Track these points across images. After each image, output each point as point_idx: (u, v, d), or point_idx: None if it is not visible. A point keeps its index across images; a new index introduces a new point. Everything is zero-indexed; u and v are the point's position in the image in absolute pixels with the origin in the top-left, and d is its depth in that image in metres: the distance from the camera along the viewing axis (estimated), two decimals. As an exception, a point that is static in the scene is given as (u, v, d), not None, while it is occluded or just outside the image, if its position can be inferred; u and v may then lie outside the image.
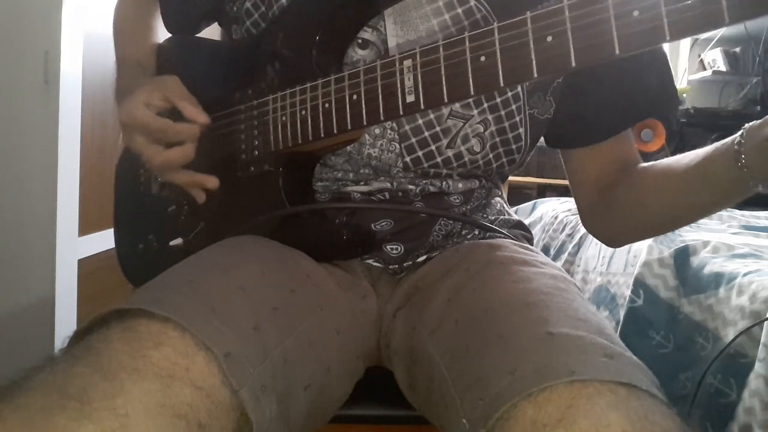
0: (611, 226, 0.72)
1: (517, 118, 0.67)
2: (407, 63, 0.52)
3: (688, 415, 0.96)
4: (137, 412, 0.37)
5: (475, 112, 0.66)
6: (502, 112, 0.66)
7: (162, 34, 0.84)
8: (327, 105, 0.58)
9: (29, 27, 1.41)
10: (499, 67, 0.47)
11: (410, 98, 0.52)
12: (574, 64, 0.43)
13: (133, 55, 0.81)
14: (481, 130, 0.66)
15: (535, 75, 0.45)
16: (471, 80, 0.48)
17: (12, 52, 1.40)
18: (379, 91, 0.54)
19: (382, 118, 0.55)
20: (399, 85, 0.53)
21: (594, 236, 0.76)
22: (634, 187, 0.66)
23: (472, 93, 0.49)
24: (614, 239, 0.75)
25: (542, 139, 0.75)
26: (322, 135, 0.60)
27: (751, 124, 0.51)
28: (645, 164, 0.68)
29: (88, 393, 0.37)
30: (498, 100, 0.66)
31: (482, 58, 0.47)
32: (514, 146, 0.69)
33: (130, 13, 0.86)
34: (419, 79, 0.51)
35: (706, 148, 0.56)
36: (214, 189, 0.68)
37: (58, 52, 1.42)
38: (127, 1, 0.88)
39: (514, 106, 0.66)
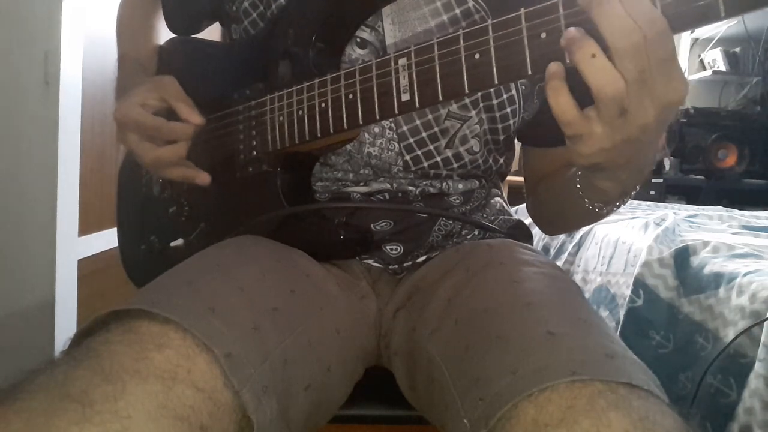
0: (537, 214, 0.80)
1: (511, 121, 0.68)
2: (402, 62, 0.52)
3: (688, 416, 0.96)
4: (139, 414, 0.37)
5: (473, 112, 0.66)
6: (497, 114, 0.67)
7: (164, 33, 0.84)
8: (323, 105, 0.58)
9: (29, 27, 1.41)
10: (494, 64, 0.46)
11: (405, 97, 0.52)
12: (569, 61, 0.43)
13: (134, 54, 0.81)
14: (479, 130, 0.67)
15: (530, 72, 0.45)
16: (465, 78, 0.48)
17: (12, 52, 1.40)
18: (375, 90, 0.54)
19: (377, 117, 0.55)
20: (394, 84, 0.53)
21: (532, 220, 0.83)
22: (547, 186, 0.72)
23: (467, 91, 0.49)
24: (541, 226, 0.82)
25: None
26: (319, 135, 0.60)
27: None
28: (568, 170, 0.71)
29: (90, 395, 0.37)
30: (494, 102, 0.66)
31: (477, 56, 0.47)
32: (503, 146, 0.70)
33: (133, 11, 0.87)
34: (414, 77, 0.51)
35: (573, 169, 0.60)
36: (205, 185, 0.68)
37: (58, 52, 1.42)
38: (130, 0, 0.88)
39: (509, 109, 0.67)
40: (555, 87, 0.43)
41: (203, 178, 0.68)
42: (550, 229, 0.83)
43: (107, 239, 1.60)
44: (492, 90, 0.65)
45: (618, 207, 0.59)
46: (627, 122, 0.42)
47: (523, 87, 0.67)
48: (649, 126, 0.42)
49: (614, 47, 0.40)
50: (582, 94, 0.43)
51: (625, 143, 0.44)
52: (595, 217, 0.60)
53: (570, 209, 0.66)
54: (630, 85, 0.40)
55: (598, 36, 0.40)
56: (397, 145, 0.67)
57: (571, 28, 0.41)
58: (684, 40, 3.00)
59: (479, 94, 0.65)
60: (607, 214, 0.60)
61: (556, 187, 0.69)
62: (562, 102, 0.43)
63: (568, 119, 0.44)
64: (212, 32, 0.84)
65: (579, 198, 0.57)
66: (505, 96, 0.66)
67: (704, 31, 2.87)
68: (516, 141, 0.78)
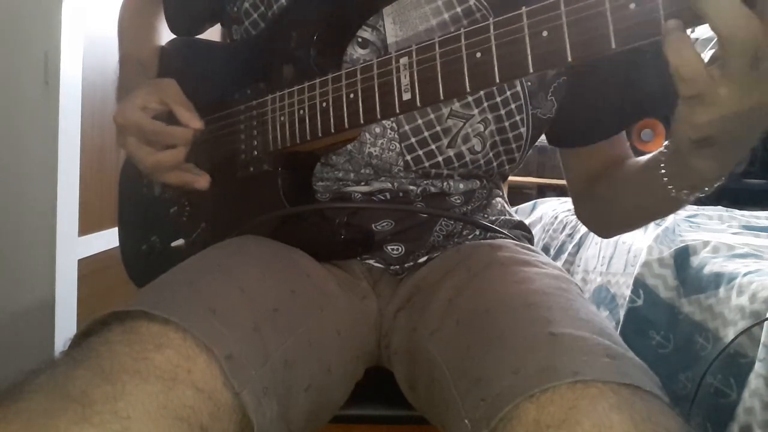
0: (594, 216, 0.77)
1: (518, 118, 0.67)
2: (403, 61, 0.52)
3: (688, 416, 0.96)
4: (139, 414, 0.37)
5: (476, 111, 0.66)
6: (502, 111, 0.66)
7: (166, 34, 0.84)
8: (324, 104, 0.58)
9: (29, 27, 1.41)
10: (495, 63, 0.46)
11: (407, 96, 0.52)
12: (570, 59, 0.42)
13: (136, 55, 0.81)
14: (482, 129, 0.66)
15: (531, 70, 0.45)
16: (467, 77, 0.48)
17: (12, 52, 1.40)
18: (376, 89, 0.54)
19: (378, 116, 0.55)
20: (395, 83, 0.53)
21: (585, 226, 0.80)
22: (610, 182, 0.69)
23: (468, 90, 0.48)
24: (599, 230, 0.79)
25: (542, 137, 0.76)
26: (320, 134, 0.59)
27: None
28: (629, 160, 0.70)
29: (90, 395, 0.37)
30: (498, 99, 0.66)
31: (478, 55, 0.47)
32: (514, 145, 0.69)
33: (135, 12, 0.87)
34: (415, 76, 0.51)
35: (654, 153, 0.57)
36: (204, 189, 0.67)
37: (58, 52, 1.42)
38: (132, 1, 0.88)
39: (513, 105, 0.66)
40: (678, 41, 0.38)
41: (202, 183, 0.67)
42: (609, 232, 0.79)
43: (107, 239, 1.60)
44: (495, 88, 0.65)
45: (706, 191, 0.53)
46: (760, 83, 0.37)
47: (529, 83, 0.66)
48: None
49: None
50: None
51: (751, 111, 0.38)
52: (676, 206, 0.56)
53: (645, 202, 0.62)
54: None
55: None
56: (398, 145, 0.67)
57: None
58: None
59: (482, 94, 0.65)
60: (688, 201, 0.54)
61: (624, 180, 0.66)
62: (685, 54, 0.38)
63: (692, 73, 0.38)
64: (213, 33, 0.84)
65: (661, 186, 0.53)
66: (509, 92, 0.66)
67: (704, 31, 2.85)
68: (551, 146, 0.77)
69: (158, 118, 0.65)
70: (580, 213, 0.79)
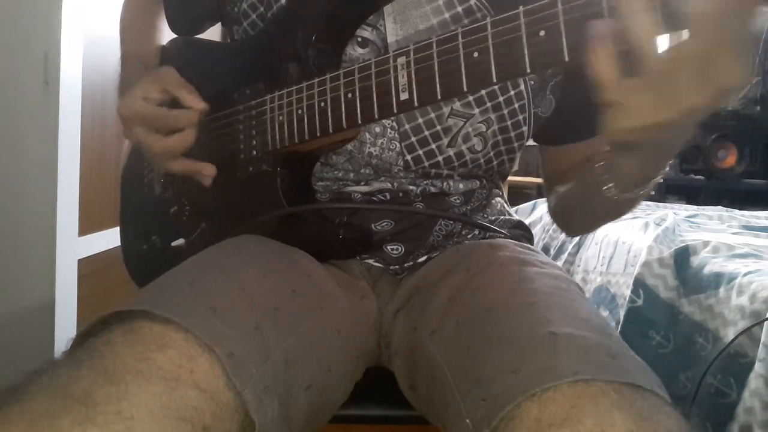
0: (559, 213, 0.77)
1: (521, 117, 0.67)
2: (401, 60, 0.52)
3: (688, 416, 0.96)
4: (142, 415, 0.37)
5: (477, 111, 0.66)
6: (505, 111, 0.66)
7: (166, 33, 0.85)
8: (323, 104, 0.58)
9: (29, 27, 1.41)
10: (492, 62, 0.46)
11: (404, 95, 0.52)
12: (567, 59, 0.42)
13: (137, 54, 0.81)
14: (483, 129, 0.66)
15: (528, 70, 0.45)
16: (464, 76, 0.48)
17: (12, 52, 1.40)
18: (374, 89, 0.54)
19: (376, 116, 0.55)
20: (393, 83, 0.53)
21: (554, 221, 0.81)
22: (568, 181, 0.70)
23: (465, 89, 0.48)
24: (564, 226, 0.80)
25: None
26: (318, 134, 0.60)
27: None
28: None
29: (93, 396, 0.37)
30: (501, 98, 0.66)
31: (475, 54, 0.47)
32: (515, 144, 0.69)
33: (136, 11, 0.87)
34: (413, 76, 0.51)
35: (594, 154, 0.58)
36: (211, 176, 0.67)
37: (58, 52, 1.42)
38: (134, 1, 0.88)
39: (517, 105, 0.66)
40: (600, 46, 0.40)
41: (209, 170, 0.67)
42: (571, 229, 0.81)
43: (107, 239, 1.60)
44: (498, 87, 0.65)
45: (637, 199, 0.56)
46: (676, 97, 0.39)
47: (532, 82, 0.66)
48: (699, 109, 0.39)
49: (686, 5, 0.37)
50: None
51: (668, 123, 0.40)
52: (616, 209, 0.58)
53: (590, 202, 0.64)
54: (685, 54, 0.38)
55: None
56: (398, 145, 0.67)
57: None
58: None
59: (484, 92, 0.65)
60: (628, 207, 0.57)
61: (577, 180, 0.68)
62: (604, 63, 0.40)
63: (607, 83, 0.41)
64: (214, 32, 0.84)
65: (600, 185, 0.55)
66: (512, 92, 0.66)
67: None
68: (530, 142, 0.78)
69: (161, 106, 0.66)
70: (550, 208, 0.80)
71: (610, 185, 0.54)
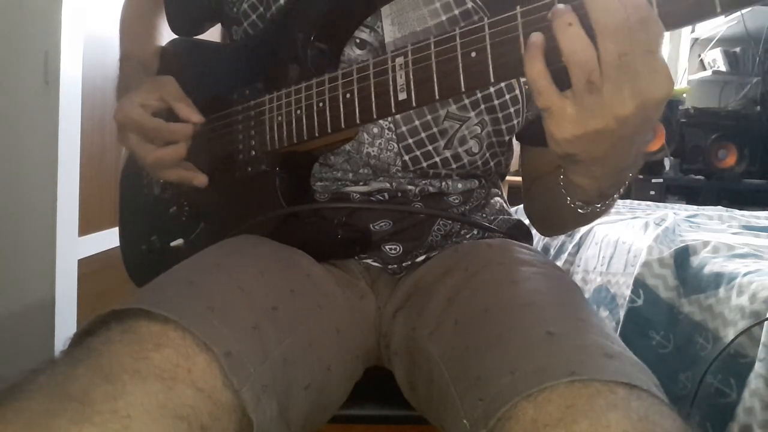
0: (534, 213, 0.79)
1: (515, 121, 0.68)
2: (399, 61, 0.52)
3: (688, 416, 0.96)
4: (139, 414, 0.37)
5: (472, 113, 0.66)
6: (500, 114, 0.67)
7: (167, 34, 0.85)
8: (321, 104, 0.59)
9: (29, 27, 1.41)
10: (490, 62, 0.46)
11: (402, 96, 0.52)
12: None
13: (137, 54, 0.82)
14: (479, 131, 0.67)
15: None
16: (462, 76, 0.48)
17: (12, 52, 1.40)
18: (372, 89, 0.54)
19: (375, 116, 0.55)
20: (391, 83, 0.53)
21: (528, 220, 0.82)
22: (544, 183, 0.71)
23: (463, 89, 0.49)
24: (538, 226, 0.80)
25: None
26: (317, 134, 0.60)
27: None
28: None
29: (90, 395, 0.37)
30: (496, 102, 0.66)
31: (473, 54, 0.47)
32: (507, 147, 0.70)
33: (136, 11, 0.87)
34: (411, 76, 0.51)
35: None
36: (202, 186, 0.68)
37: (58, 52, 1.42)
38: (134, 1, 0.88)
39: (512, 109, 0.67)
40: (532, 54, 0.42)
41: (200, 180, 0.68)
42: (543, 230, 0.82)
43: (107, 239, 1.60)
44: (493, 90, 0.65)
45: (601, 211, 0.57)
46: (602, 108, 0.41)
47: (527, 86, 0.66)
48: (628, 119, 0.41)
49: (596, 21, 0.39)
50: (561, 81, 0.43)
51: (599, 134, 0.42)
52: (580, 218, 0.58)
53: (556, 208, 0.64)
54: (606, 66, 0.40)
55: (584, 13, 0.40)
56: (395, 146, 0.67)
57: (560, 4, 0.41)
58: (684, 40, 2.99)
59: (480, 95, 0.65)
60: (591, 217, 0.58)
61: (547, 185, 0.69)
62: (536, 69, 0.42)
63: (539, 87, 0.43)
64: (214, 33, 0.84)
65: (563, 195, 0.56)
66: (507, 96, 0.66)
67: (704, 31, 2.86)
68: (514, 141, 0.78)
69: (158, 115, 0.66)
70: (525, 207, 0.80)
71: (570, 197, 0.55)
